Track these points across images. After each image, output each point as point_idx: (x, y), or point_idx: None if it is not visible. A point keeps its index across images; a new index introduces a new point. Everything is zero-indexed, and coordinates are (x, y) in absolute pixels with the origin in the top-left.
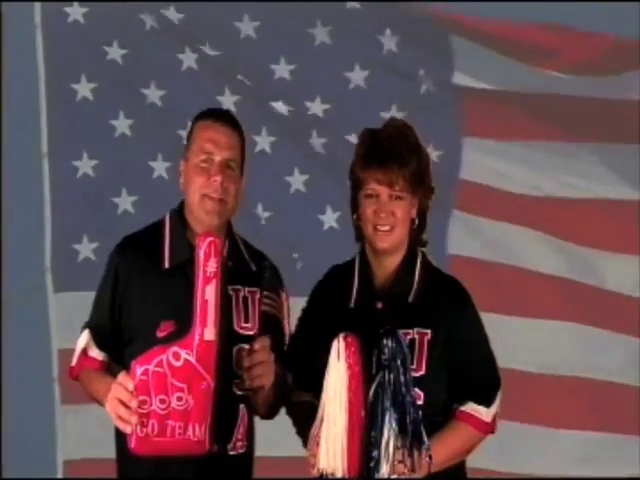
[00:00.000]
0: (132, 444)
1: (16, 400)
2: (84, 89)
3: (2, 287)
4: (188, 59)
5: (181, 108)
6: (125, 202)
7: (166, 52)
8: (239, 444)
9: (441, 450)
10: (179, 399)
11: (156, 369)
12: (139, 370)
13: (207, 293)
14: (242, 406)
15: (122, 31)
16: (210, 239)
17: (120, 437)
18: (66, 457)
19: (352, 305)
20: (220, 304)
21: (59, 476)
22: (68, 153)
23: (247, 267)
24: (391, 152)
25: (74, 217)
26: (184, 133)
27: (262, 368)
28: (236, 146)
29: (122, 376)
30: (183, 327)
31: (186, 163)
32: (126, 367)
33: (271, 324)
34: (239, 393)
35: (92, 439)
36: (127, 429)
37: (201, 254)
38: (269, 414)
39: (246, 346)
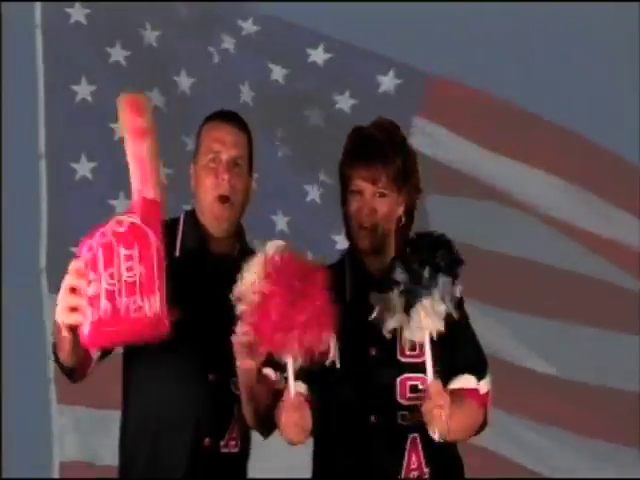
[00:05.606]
0: (86, 334)
1: (12, 400)
2: (84, 91)
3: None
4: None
5: (185, 113)
6: (123, 206)
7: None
8: (232, 443)
9: (457, 419)
10: (129, 269)
11: (101, 240)
12: (84, 249)
13: (140, 150)
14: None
15: (125, 33)
16: (133, 98)
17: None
18: (62, 458)
19: (348, 298)
20: (157, 164)
21: (55, 477)
22: (66, 155)
23: None
24: (375, 149)
25: (72, 219)
26: (187, 139)
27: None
28: (243, 145)
29: (70, 265)
30: (189, 316)
31: (195, 166)
32: (132, 360)
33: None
34: (237, 392)
35: (88, 440)
36: (79, 318)
37: (127, 111)
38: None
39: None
